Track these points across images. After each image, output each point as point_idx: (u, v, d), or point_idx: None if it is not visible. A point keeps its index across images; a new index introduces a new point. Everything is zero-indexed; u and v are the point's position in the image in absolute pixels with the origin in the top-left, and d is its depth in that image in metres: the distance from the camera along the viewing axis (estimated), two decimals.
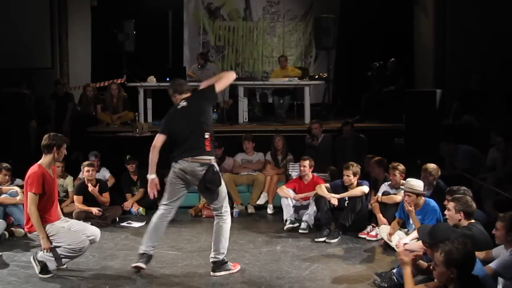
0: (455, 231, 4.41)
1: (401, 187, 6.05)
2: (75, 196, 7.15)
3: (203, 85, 5.27)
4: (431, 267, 3.86)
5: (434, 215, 5.49)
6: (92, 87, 10.35)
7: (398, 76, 10.00)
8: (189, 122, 5.01)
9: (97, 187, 7.23)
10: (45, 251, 4.94)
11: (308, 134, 8.60)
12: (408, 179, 5.75)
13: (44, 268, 5.02)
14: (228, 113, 9.74)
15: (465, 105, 9.11)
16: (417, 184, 5.67)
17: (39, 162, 5.01)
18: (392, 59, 10.13)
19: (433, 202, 5.64)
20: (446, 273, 3.45)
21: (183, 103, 5.11)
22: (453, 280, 3.45)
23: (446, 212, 4.75)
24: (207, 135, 5.01)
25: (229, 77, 5.27)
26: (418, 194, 5.59)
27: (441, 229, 4.25)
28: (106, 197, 7.28)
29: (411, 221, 5.75)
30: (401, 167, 6.39)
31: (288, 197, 7.00)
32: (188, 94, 5.20)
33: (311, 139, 8.50)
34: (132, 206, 7.55)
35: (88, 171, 7.14)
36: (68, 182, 7.64)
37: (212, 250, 5.12)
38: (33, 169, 4.96)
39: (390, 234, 5.78)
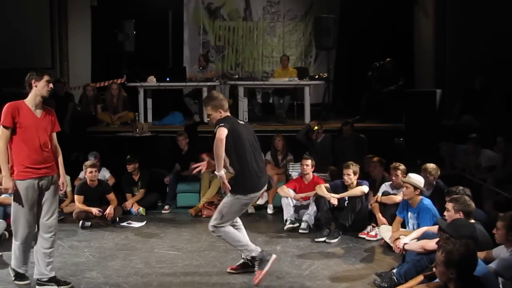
0: (479, 229, 4.47)
1: (402, 179, 6.03)
2: (76, 196, 7.15)
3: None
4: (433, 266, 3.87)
5: (428, 213, 5.51)
6: (92, 87, 10.35)
7: (398, 76, 10.00)
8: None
9: (100, 189, 7.26)
10: (5, 190, 4.61)
11: (305, 132, 8.55)
12: (410, 174, 5.79)
13: (18, 275, 4.83)
14: None
15: (467, 105, 9.12)
16: (417, 178, 5.71)
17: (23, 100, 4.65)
18: (388, 59, 10.12)
19: (427, 201, 5.67)
20: (446, 272, 3.46)
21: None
22: (452, 280, 3.45)
23: (445, 212, 4.75)
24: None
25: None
26: (415, 187, 5.61)
27: (465, 224, 4.27)
28: (112, 198, 7.28)
29: (410, 221, 5.76)
30: (402, 167, 6.40)
31: (288, 196, 7.00)
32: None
33: (309, 138, 8.47)
34: (132, 206, 7.55)
35: (91, 172, 7.15)
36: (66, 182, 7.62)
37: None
38: (9, 102, 4.59)
39: (396, 239, 5.45)
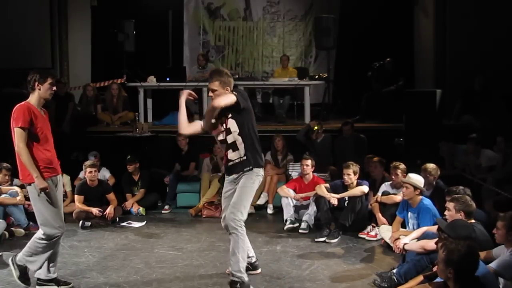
0: (479, 229, 4.47)
1: (402, 179, 6.02)
2: (76, 196, 7.16)
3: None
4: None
5: (428, 213, 5.51)
6: (92, 87, 10.36)
7: (398, 76, 10.00)
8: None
9: (100, 189, 7.26)
10: (41, 193, 4.46)
11: (305, 132, 8.55)
12: (410, 174, 5.80)
13: (23, 273, 4.70)
14: None
15: (467, 105, 9.13)
16: (417, 178, 5.72)
17: (26, 100, 4.55)
18: (388, 59, 10.12)
19: (427, 201, 5.67)
20: (445, 271, 3.48)
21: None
22: (451, 279, 3.47)
23: (446, 212, 4.75)
24: None
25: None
26: (415, 187, 5.61)
27: (463, 224, 4.28)
28: (112, 198, 7.27)
29: (410, 221, 5.76)
30: (402, 166, 6.41)
31: (288, 196, 7.00)
32: None
33: (308, 138, 8.47)
34: (132, 206, 7.55)
35: (90, 172, 7.14)
36: (65, 181, 7.61)
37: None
38: (18, 104, 4.50)
39: (396, 239, 5.44)
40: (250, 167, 4.57)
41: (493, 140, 7.59)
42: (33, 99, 4.56)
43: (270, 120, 10.10)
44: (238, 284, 4.56)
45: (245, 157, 4.56)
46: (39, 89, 4.53)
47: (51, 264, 4.74)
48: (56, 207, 4.59)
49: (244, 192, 4.56)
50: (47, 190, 4.47)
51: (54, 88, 4.62)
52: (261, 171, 4.64)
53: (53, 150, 4.68)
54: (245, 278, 4.58)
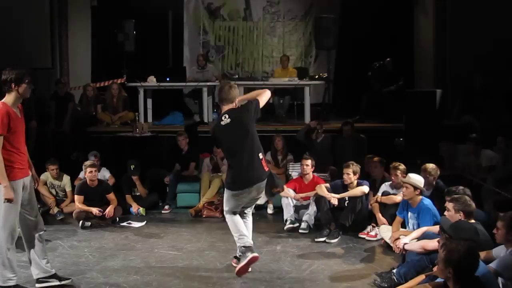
0: (479, 229, 4.47)
1: (402, 179, 6.02)
2: (76, 196, 7.15)
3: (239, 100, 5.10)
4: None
5: (428, 213, 5.51)
6: (92, 87, 10.36)
7: (398, 76, 10.00)
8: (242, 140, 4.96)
9: (100, 189, 7.24)
10: (5, 201, 4.32)
11: (305, 132, 8.55)
12: (410, 174, 5.79)
13: None
14: None
15: (467, 105, 9.13)
16: (417, 178, 5.71)
17: (2, 100, 4.42)
18: (388, 58, 10.12)
19: (427, 201, 5.67)
20: (444, 271, 3.48)
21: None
22: (450, 279, 3.47)
23: (446, 212, 4.75)
24: (261, 156, 5.02)
25: (267, 94, 5.16)
26: (415, 187, 5.61)
27: (466, 227, 4.27)
28: (112, 198, 7.25)
29: (410, 221, 5.76)
30: (402, 166, 6.40)
31: (288, 196, 7.00)
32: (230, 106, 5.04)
33: (309, 138, 8.47)
34: (132, 206, 7.55)
35: (90, 171, 7.13)
36: (66, 182, 7.62)
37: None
38: None
39: (396, 239, 5.42)
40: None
41: (493, 140, 7.60)
42: (10, 99, 4.44)
43: (270, 120, 10.10)
44: (239, 248, 4.98)
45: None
46: (17, 90, 4.43)
47: (44, 261, 4.74)
48: (18, 211, 4.45)
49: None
50: (12, 202, 4.35)
51: (32, 86, 4.53)
52: (227, 192, 5.06)
53: (26, 151, 4.59)
54: (246, 243, 4.90)
